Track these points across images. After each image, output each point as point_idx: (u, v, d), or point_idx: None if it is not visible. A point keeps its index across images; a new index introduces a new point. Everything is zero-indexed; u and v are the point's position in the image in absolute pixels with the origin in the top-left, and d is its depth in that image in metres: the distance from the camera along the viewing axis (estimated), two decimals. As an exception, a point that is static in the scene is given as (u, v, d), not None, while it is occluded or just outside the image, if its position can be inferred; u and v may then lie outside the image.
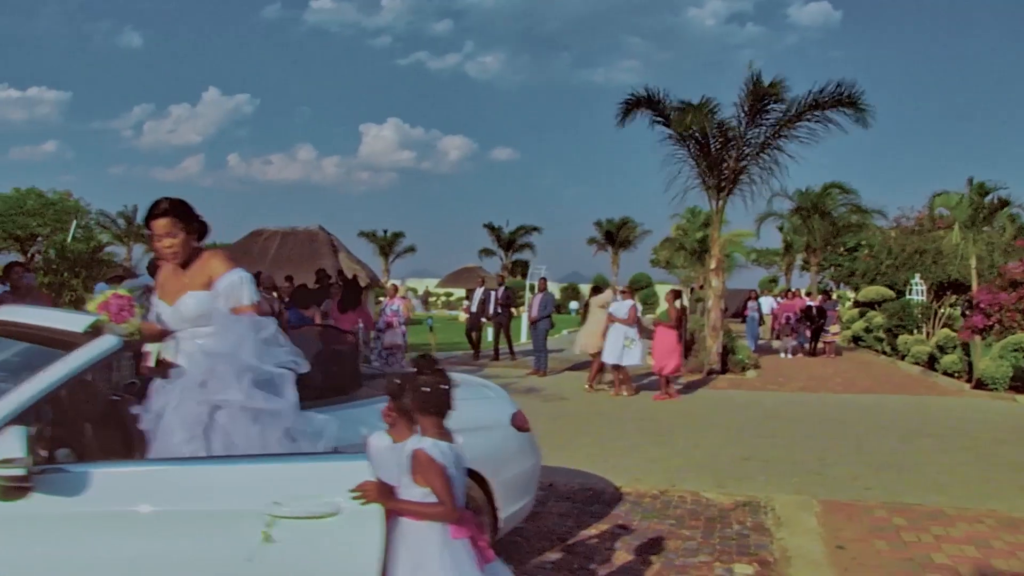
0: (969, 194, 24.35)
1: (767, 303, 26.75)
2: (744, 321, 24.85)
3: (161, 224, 3.79)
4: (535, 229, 62.45)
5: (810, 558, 5.53)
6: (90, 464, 3.18)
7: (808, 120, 16.36)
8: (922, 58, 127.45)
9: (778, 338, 23.81)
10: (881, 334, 23.96)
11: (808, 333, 23.20)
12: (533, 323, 17.19)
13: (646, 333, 14.61)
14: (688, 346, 19.18)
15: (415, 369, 3.22)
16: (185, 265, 3.89)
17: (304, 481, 3.15)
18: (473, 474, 4.71)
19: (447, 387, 3.16)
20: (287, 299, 13.10)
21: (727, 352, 18.00)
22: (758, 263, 54.47)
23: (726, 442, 9.86)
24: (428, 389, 3.13)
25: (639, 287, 58.96)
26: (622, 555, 5.60)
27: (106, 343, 3.44)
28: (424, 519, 3.05)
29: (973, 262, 23.11)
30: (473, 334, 19.74)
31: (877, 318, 24.62)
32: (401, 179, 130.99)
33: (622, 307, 14.04)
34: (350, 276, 35.79)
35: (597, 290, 15.05)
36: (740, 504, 6.96)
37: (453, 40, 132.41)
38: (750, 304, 23.91)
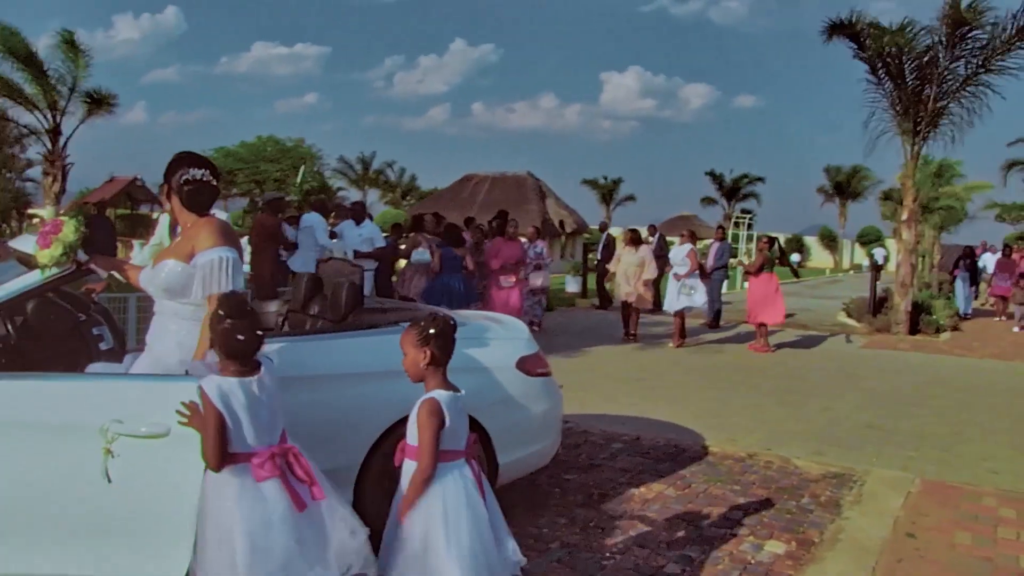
0: None
1: (990, 260, 23.94)
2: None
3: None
4: (759, 179, 60.11)
5: (862, 544, 4.88)
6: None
7: (1020, 48, 14.34)
8: None
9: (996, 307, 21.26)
10: None
11: None
12: (708, 273, 16.42)
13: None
14: (880, 304, 17.82)
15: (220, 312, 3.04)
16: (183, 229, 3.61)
17: (143, 400, 3.10)
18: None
19: (244, 331, 2.97)
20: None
21: (920, 311, 16.49)
22: (1003, 219, 49.56)
23: (860, 407, 8.99)
24: (227, 331, 2.97)
25: (868, 240, 55.55)
26: (650, 516, 5.18)
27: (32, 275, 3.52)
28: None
29: None
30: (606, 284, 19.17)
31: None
32: (642, 127, 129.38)
33: (680, 253, 13.15)
34: (557, 222, 36.10)
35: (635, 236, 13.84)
36: (828, 476, 6.29)
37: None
38: (962, 261, 21.48)
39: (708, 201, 61.66)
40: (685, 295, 12.90)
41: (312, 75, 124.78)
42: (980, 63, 14.67)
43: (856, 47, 15.55)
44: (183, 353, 3.36)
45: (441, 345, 3.17)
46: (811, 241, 61.63)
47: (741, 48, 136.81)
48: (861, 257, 52.82)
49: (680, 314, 13.08)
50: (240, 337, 2.94)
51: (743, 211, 44.27)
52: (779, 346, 13.74)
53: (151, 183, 37.18)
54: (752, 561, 4.56)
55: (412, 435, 3.13)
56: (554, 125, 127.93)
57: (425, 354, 3.15)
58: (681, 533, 4.93)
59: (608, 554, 4.54)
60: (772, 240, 13.65)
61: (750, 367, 11.60)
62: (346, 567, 2.95)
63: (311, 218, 11.06)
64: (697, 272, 13.18)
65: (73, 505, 3.04)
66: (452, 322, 3.28)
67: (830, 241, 60.34)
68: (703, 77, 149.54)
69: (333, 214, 15.14)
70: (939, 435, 7.86)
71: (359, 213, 11.53)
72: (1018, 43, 14.18)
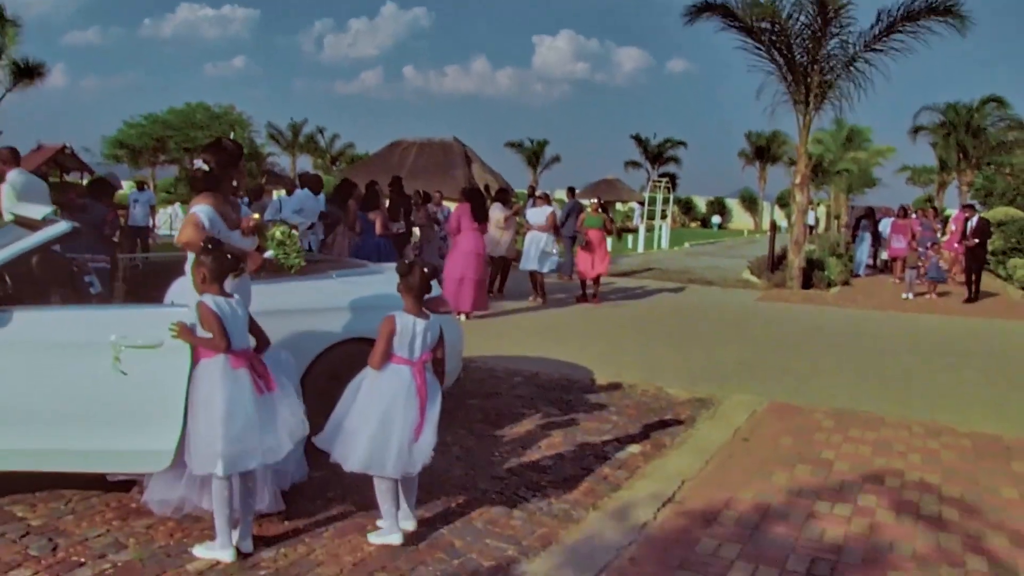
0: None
1: (887, 224, 25.18)
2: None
3: None
4: (681, 143, 62.11)
5: (703, 446, 6.12)
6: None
7: (900, 32, 15.83)
8: None
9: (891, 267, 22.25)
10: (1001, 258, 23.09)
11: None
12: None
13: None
14: (778, 262, 19.30)
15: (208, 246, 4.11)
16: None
17: (141, 322, 4.21)
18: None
19: (223, 261, 4.06)
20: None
21: (813, 268, 18.01)
22: (912, 182, 52.06)
23: (739, 350, 10.31)
24: (217, 256, 4.04)
25: (787, 203, 57.75)
26: (531, 428, 6.37)
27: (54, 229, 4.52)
28: (206, 349, 3.99)
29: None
30: None
31: (997, 241, 23.57)
32: (574, 91, 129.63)
33: (539, 214, 14.13)
34: (482, 185, 37.09)
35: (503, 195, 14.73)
36: (693, 400, 7.53)
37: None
38: (862, 223, 23.03)
39: (633, 165, 63.54)
40: (548, 254, 13.90)
41: (241, 38, 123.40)
42: (865, 44, 16.12)
43: (734, 22, 16.79)
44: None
45: (411, 282, 4.34)
46: (732, 203, 63.83)
47: (675, 12, 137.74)
48: (781, 219, 54.93)
49: (540, 273, 13.98)
50: (228, 258, 4.05)
51: (661, 175, 45.94)
52: (680, 299, 15.10)
53: (79, 149, 37.32)
54: (611, 457, 5.78)
55: None
56: (486, 89, 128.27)
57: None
58: (559, 439, 6.13)
59: (497, 453, 5.73)
60: (603, 204, 14.78)
61: (649, 318, 12.91)
62: (288, 432, 4.06)
63: (303, 195, 12.00)
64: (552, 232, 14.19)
65: (92, 398, 4.13)
66: (425, 269, 4.41)
67: (751, 203, 62.57)
68: (636, 41, 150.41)
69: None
70: (799, 370, 9.21)
71: (317, 184, 12.58)
72: (899, 26, 15.66)
